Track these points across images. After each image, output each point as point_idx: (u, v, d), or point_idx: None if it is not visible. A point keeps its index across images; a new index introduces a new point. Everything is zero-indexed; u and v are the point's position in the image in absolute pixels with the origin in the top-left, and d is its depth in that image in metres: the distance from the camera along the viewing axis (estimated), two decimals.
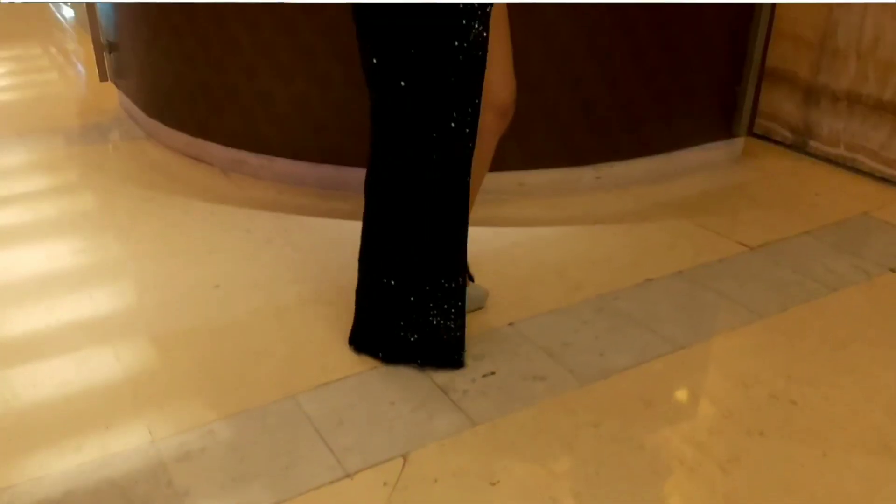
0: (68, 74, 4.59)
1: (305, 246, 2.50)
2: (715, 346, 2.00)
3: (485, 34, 1.66)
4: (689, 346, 1.98)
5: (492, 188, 2.31)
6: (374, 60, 1.70)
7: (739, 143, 3.13)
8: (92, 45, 3.66)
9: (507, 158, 2.72)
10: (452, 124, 1.70)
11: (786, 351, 1.97)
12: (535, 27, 2.57)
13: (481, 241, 2.42)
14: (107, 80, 3.57)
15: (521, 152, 2.77)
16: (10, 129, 3.58)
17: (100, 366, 1.91)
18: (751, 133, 3.15)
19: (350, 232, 2.39)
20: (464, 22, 1.62)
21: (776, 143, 3.31)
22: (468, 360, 1.90)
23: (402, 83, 1.68)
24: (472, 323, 2.02)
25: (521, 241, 2.54)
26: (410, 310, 1.85)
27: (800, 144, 3.23)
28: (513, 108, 1.88)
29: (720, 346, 2.00)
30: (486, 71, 1.70)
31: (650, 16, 2.70)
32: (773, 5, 2.94)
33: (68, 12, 6.09)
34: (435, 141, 1.71)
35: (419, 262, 1.82)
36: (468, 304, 1.98)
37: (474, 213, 1.87)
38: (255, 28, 2.70)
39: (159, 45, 3.05)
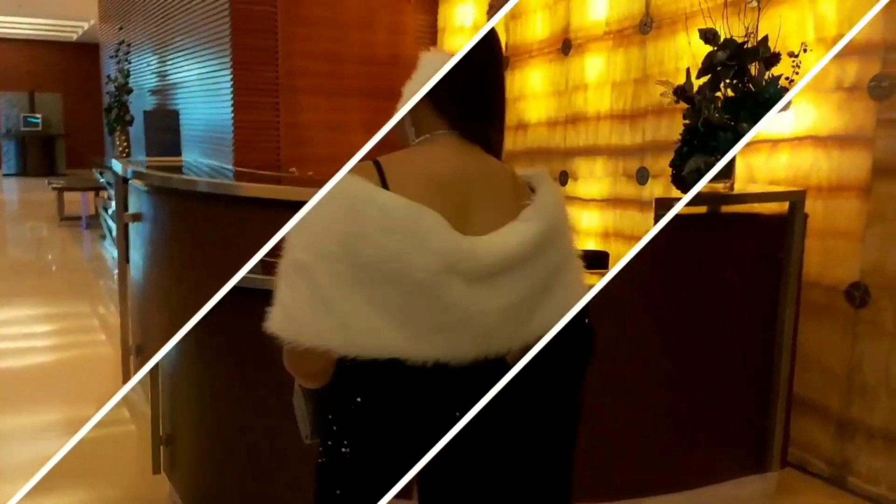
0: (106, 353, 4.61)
1: None
2: None
3: None
4: None
5: None
6: None
7: (773, 478, 2.95)
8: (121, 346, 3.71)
9: None
10: None
11: None
12: None
13: None
14: (160, 473, 2.98)
15: None
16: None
17: None
18: (785, 463, 2.98)
19: None
20: None
21: (813, 475, 3.11)
22: None
23: None
24: None
25: None
26: None
27: (838, 479, 3.03)
28: None
29: None
30: None
31: (670, 350, 2.68)
32: (794, 337, 2.91)
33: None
34: None
35: None
36: None
37: None
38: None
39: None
